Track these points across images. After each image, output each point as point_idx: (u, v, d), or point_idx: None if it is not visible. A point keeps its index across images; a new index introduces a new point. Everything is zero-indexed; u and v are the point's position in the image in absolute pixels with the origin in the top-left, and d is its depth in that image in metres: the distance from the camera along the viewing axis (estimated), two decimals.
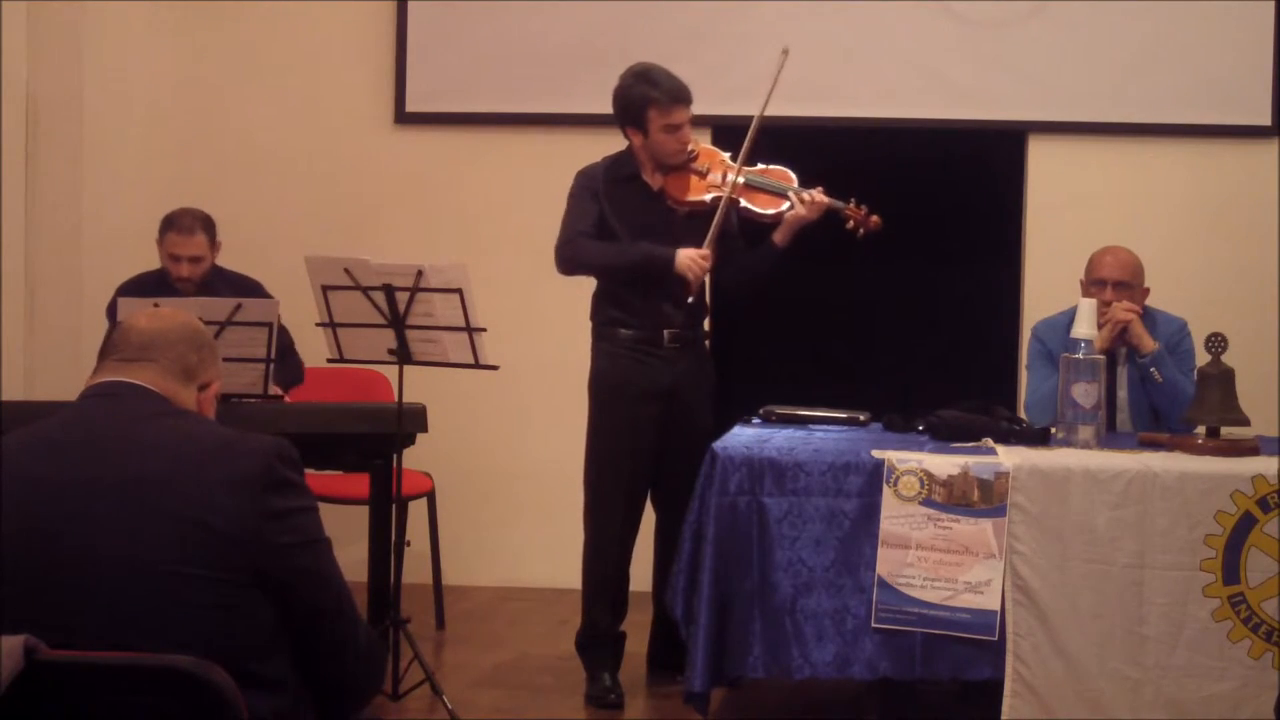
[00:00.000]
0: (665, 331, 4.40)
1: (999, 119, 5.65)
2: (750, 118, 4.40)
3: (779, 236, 4.39)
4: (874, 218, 4.40)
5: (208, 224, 4.86)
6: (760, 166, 4.44)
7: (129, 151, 5.89)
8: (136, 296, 4.55)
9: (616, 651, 4.47)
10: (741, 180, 4.38)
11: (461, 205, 5.85)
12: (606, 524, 4.43)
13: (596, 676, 4.40)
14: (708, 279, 4.47)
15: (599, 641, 4.44)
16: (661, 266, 4.31)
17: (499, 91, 5.79)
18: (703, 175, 4.39)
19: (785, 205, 4.36)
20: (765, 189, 4.40)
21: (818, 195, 4.36)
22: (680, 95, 4.34)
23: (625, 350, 4.42)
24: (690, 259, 4.29)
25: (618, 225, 4.39)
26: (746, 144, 4.36)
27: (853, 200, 4.41)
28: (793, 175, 4.45)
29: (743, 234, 4.51)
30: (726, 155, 4.45)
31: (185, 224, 4.82)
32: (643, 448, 4.41)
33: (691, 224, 4.36)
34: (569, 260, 4.43)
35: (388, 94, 5.88)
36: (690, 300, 4.34)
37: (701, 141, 4.62)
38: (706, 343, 4.61)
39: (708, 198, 4.36)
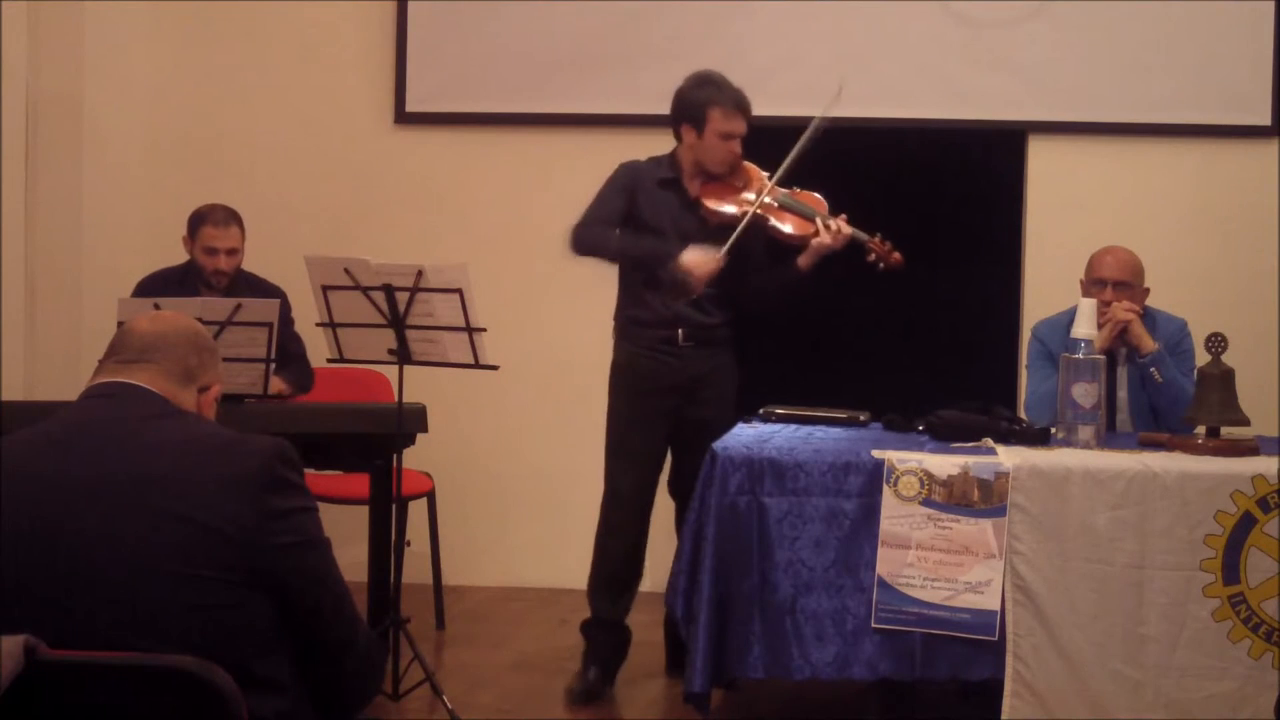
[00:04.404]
0: (680, 330, 4.45)
1: (999, 119, 5.64)
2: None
3: (803, 260, 4.41)
4: (896, 254, 4.42)
5: (238, 218, 4.90)
6: (795, 189, 4.47)
7: (129, 151, 5.89)
8: (159, 292, 4.60)
9: (616, 646, 4.49)
10: (773, 200, 4.41)
11: (461, 205, 5.85)
12: (612, 515, 4.50)
13: (585, 668, 4.44)
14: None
15: (597, 631, 4.50)
16: (664, 260, 4.32)
17: (499, 91, 5.78)
18: (738, 190, 4.43)
19: (811, 231, 4.38)
20: (795, 211, 4.43)
21: (843, 225, 4.38)
22: (743, 105, 4.40)
23: (643, 348, 4.48)
24: (694, 253, 4.30)
25: (651, 225, 4.42)
26: (784, 165, 4.39)
27: (878, 235, 4.43)
28: (824, 202, 4.48)
29: (768, 253, 4.52)
30: (766, 174, 4.46)
31: (220, 217, 4.85)
32: (655, 443, 4.48)
33: (722, 235, 4.37)
34: (581, 241, 4.43)
35: (388, 94, 5.88)
36: (684, 296, 4.35)
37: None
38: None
39: (740, 212, 4.39)
